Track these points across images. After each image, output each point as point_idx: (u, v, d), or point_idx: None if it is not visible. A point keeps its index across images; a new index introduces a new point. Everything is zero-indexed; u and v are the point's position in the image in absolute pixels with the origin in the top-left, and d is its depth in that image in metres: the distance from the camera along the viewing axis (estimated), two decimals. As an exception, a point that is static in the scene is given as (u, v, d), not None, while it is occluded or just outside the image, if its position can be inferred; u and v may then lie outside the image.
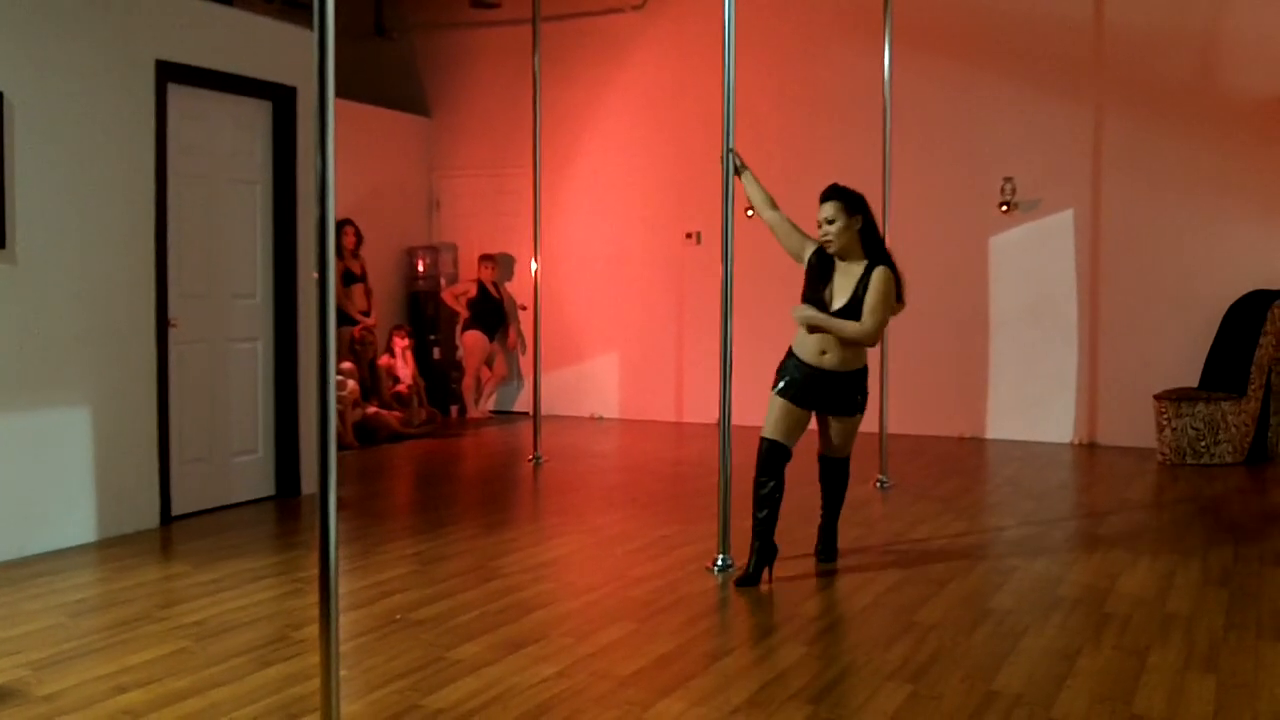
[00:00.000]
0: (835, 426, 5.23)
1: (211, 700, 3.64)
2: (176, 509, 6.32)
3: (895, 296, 5.00)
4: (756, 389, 9.53)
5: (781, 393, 5.08)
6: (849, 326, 4.90)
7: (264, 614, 4.59)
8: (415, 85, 11.62)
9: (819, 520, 5.50)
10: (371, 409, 9.45)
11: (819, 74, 9.90)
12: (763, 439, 5.10)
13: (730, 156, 5.32)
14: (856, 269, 4.98)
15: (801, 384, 5.06)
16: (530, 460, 8.34)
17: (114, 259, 5.92)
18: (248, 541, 5.93)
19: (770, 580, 5.07)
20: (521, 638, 4.26)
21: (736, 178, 5.34)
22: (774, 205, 5.30)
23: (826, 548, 5.47)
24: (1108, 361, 9.06)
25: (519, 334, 11.12)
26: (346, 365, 9.24)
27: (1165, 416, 8.20)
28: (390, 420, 9.52)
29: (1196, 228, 8.78)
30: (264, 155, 6.93)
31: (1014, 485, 7.44)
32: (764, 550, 5.05)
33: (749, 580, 5.01)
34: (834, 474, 5.38)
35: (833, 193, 5.02)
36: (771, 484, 5.06)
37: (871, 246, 5.03)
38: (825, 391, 5.07)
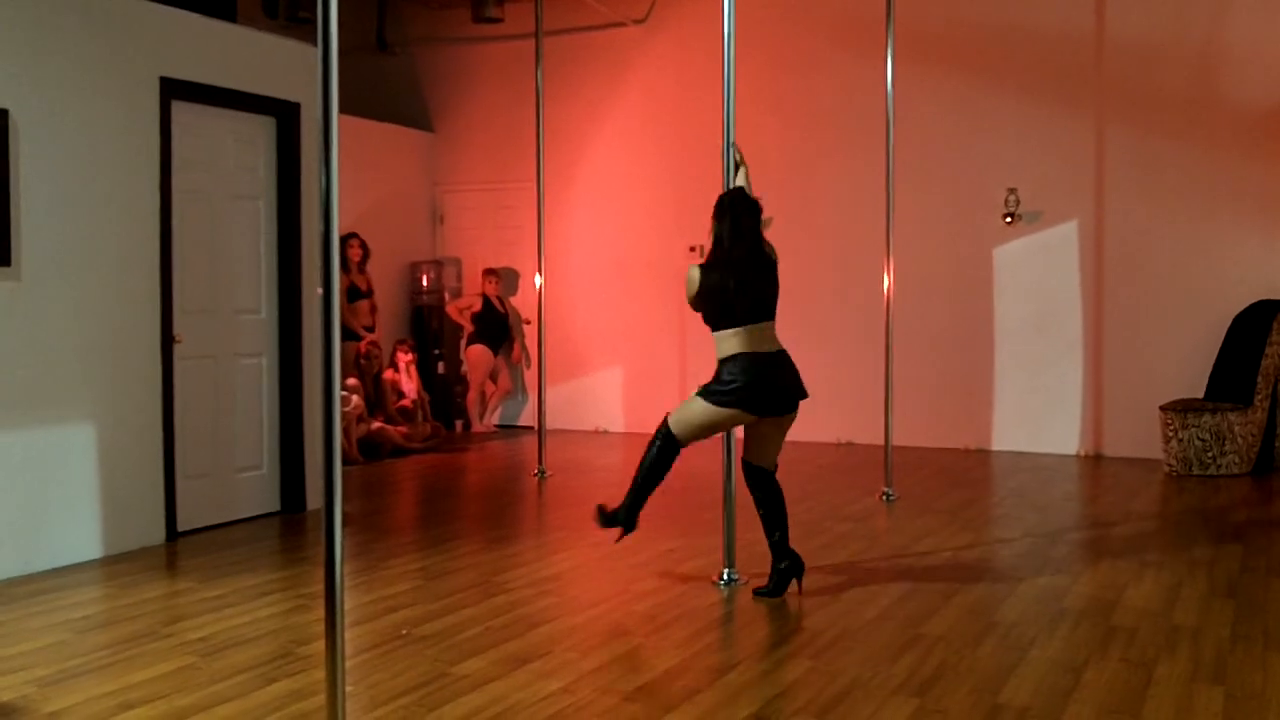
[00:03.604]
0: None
1: (217, 717, 3.64)
2: (181, 525, 6.32)
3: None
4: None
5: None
6: None
7: (269, 630, 4.59)
8: (418, 100, 11.65)
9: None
10: (376, 424, 9.45)
11: (821, 87, 9.91)
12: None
13: (731, 151, 5.27)
14: None
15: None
16: (535, 474, 8.33)
17: (118, 275, 5.94)
18: (253, 557, 5.93)
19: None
20: (526, 653, 4.25)
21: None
22: None
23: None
24: (1113, 372, 9.05)
25: (523, 348, 11.12)
26: (351, 380, 9.24)
27: (1171, 428, 8.18)
28: (395, 435, 9.52)
29: (1200, 238, 8.77)
30: (267, 171, 6.95)
31: (1019, 497, 7.42)
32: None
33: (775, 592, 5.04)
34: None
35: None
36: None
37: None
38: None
